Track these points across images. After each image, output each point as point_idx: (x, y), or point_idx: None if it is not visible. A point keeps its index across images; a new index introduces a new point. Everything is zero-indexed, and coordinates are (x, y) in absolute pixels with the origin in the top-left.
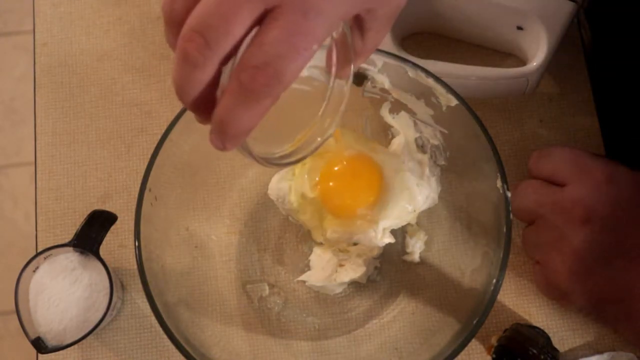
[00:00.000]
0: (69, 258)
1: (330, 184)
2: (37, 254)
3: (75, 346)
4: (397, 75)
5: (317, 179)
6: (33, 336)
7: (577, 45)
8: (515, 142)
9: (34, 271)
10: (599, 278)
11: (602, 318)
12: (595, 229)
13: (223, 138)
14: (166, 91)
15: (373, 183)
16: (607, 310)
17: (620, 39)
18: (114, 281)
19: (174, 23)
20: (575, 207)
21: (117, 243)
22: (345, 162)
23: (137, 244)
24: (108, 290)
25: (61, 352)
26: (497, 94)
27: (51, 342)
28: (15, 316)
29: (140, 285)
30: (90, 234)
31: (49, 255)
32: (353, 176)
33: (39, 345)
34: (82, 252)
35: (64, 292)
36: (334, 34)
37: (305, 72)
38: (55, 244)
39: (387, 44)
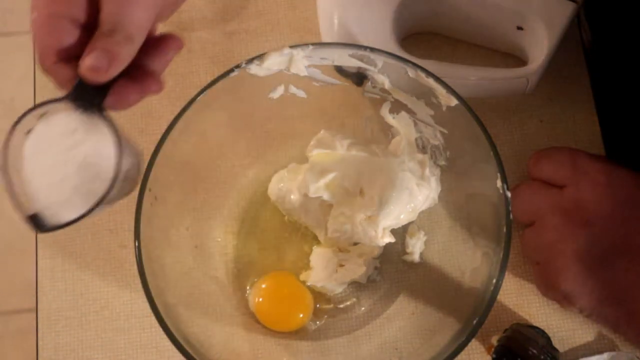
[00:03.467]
0: (69, 117)
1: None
2: (28, 111)
3: (75, 346)
4: (397, 75)
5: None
6: (28, 213)
7: (577, 45)
8: (515, 142)
9: (27, 133)
10: (599, 279)
11: (602, 319)
12: (595, 230)
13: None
14: (166, 91)
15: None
16: (607, 311)
17: (620, 39)
18: (123, 144)
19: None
20: (576, 208)
21: (117, 243)
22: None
23: (137, 244)
24: (114, 155)
25: (60, 350)
26: (497, 94)
27: (50, 219)
28: (16, 316)
29: (140, 285)
30: (91, 87)
31: (43, 114)
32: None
33: (37, 222)
34: (83, 110)
35: (63, 159)
36: None
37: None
38: (56, 242)
39: (387, 44)
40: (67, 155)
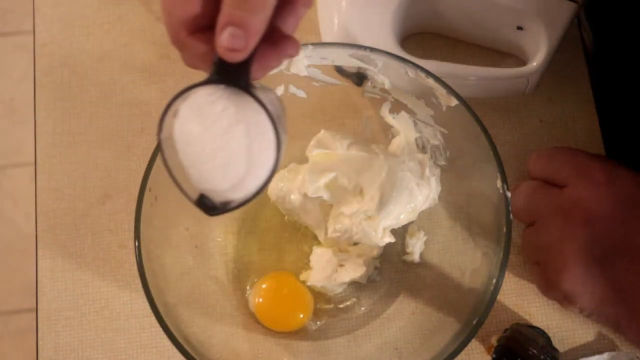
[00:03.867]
0: (214, 95)
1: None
2: (174, 99)
3: (75, 346)
4: (397, 75)
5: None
6: (195, 195)
7: (577, 45)
8: (515, 142)
9: (174, 116)
10: (599, 279)
11: (603, 319)
12: (595, 229)
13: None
14: (166, 91)
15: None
16: (608, 311)
17: (621, 39)
18: (272, 109)
19: None
20: (576, 208)
21: (117, 243)
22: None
23: (137, 244)
24: (271, 135)
25: (60, 350)
26: (497, 94)
27: (222, 200)
28: (16, 316)
29: (140, 285)
30: (233, 64)
31: (187, 97)
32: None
33: (205, 204)
34: (226, 88)
35: (224, 140)
36: None
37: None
38: (56, 242)
39: (387, 44)
40: (226, 135)
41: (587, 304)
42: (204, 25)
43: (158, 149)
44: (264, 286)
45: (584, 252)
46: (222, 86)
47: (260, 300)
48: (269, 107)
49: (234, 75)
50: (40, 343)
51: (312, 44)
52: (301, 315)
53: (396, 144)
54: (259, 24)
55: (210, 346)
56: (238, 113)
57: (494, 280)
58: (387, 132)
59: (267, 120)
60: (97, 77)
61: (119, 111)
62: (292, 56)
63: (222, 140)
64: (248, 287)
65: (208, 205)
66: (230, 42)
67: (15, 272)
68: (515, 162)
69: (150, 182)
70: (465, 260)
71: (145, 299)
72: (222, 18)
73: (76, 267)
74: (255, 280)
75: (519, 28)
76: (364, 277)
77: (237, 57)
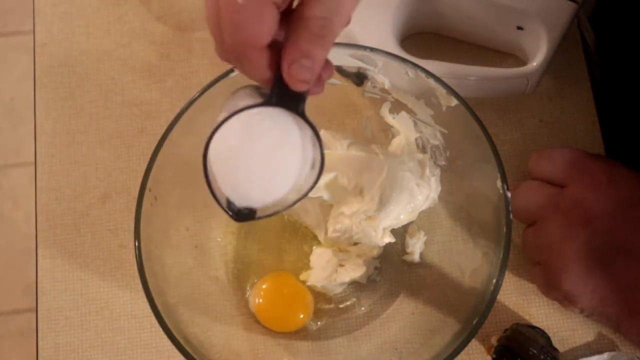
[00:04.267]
0: (261, 114)
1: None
2: (229, 117)
3: (75, 346)
4: (397, 75)
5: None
6: (235, 208)
7: (577, 45)
8: (515, 142)
9: (222, 131)
10: (601, 278)
11: (604, 318)
12: (596, 229)
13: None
14: (166, 91)
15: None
16: (609, 311)
17: (622, 39)
18: (319, 136)
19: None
20: (576, 208)
21: (117, 243)
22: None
23: (137, 244)
24: (311, 156)
25: (60, 350)
26: (497, 94)
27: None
28: (16, 316)
29: (140, 285)
30: (294, 92)
31: (236, 113)
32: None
33: (235, 210)
34: (281, 110)
35: (262, 157)
36: None
37: None
38: (56, 242)
39: (387, 44)
40: (269, 153)
41: (588, 304)
42: (270, 41)
43: (204, 166)
44: (264, 286)
45: (585, 252)
46: (276, 109)
47: (260, 300)
48: (317, 131)
49: (292, 101)
50: (40, 343)
51: None
52: (301, 316)
53: (396, 144)
54: (324, 58)
55: (210, 346)
56: (283, 134)
57: (494, 280)
58: (387, 132)
59: (309, 144)
60: (97, 77)
61: (119, 111)
62: (328, 78)
63: (266, 157)
64: (248, 288)
65: (240, 212)
66: (302, 74)
67: (15, 272)
68: (515, 162)
69: (150, 182)
70: (465, 260)
71: (145, 299)
72: (296, 49)
73: (76, 267)
74: (255, 280)
75: (519, 28)
76: (364, 277)
77: (304, 88)
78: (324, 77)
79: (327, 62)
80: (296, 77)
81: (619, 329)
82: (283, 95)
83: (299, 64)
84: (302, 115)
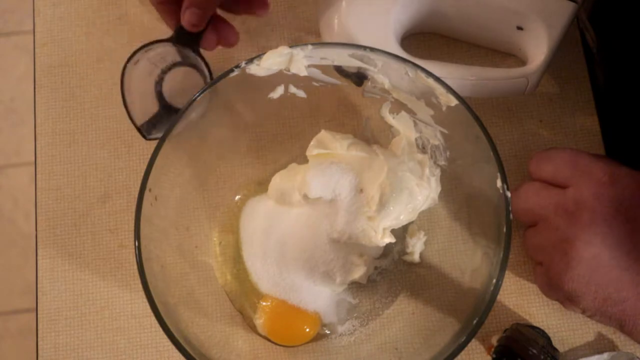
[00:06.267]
0: (167, 52)
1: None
2: (139, 49)
3: (75, 346)
4: (397, 75)
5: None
6: (137, 124)
7: (577, 45)
8: (515, 142)
9: (135, 64)
10: (602, 278)
11: (606, 318)
12: (597, 230)
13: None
14: None
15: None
16: (611, 310)
17: (623, 39)
18: (207, 74)
19: None
20: (578, 209)
21: (117, 243)
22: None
23: (137, 244)
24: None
25: (60, 350)
26: (497, 94)
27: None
28: (16, 316)
29: (140, 285)
30: (191, 33)
31: (148, 50)
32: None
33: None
34: (180, 50)
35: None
36: None
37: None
38: (56, 242)
39: (387, 44)
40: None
41: (590, 304)
42: None
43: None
44: (264, 304)
45: (586, 253)
46: (177, 48)
47: (266, 321)
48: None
49: (188, 41)
50: (40, 343)
51: (312, 44)
52: (307, 329)
53: (396, 144)
54: (211, 9)
55: (210, 346)
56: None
57: (494, 280)
58: (387, 132)
59: (201, 77)
60: (97, 77)
61: (118, 111)
62: (230, 42)
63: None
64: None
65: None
66: (192, 19)
67: (15, 272)
68: (515, 162)
69: (150, 182)
70: (465, 260)
71: (145, 299)
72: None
73: (76, 267)
74: (257, 301)
75: (519, 28)
76: (364, 277)
77: (195, 29)
78: (224, 36)
79: (229, 25)
80: (189, 21)
81: (623, 329)
82: (182, 36)
83: (191, 11)
84: (197, 52)
